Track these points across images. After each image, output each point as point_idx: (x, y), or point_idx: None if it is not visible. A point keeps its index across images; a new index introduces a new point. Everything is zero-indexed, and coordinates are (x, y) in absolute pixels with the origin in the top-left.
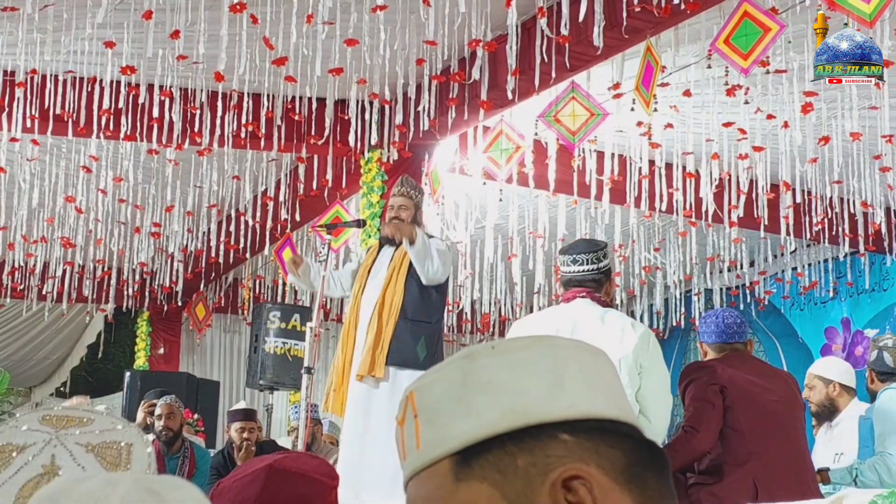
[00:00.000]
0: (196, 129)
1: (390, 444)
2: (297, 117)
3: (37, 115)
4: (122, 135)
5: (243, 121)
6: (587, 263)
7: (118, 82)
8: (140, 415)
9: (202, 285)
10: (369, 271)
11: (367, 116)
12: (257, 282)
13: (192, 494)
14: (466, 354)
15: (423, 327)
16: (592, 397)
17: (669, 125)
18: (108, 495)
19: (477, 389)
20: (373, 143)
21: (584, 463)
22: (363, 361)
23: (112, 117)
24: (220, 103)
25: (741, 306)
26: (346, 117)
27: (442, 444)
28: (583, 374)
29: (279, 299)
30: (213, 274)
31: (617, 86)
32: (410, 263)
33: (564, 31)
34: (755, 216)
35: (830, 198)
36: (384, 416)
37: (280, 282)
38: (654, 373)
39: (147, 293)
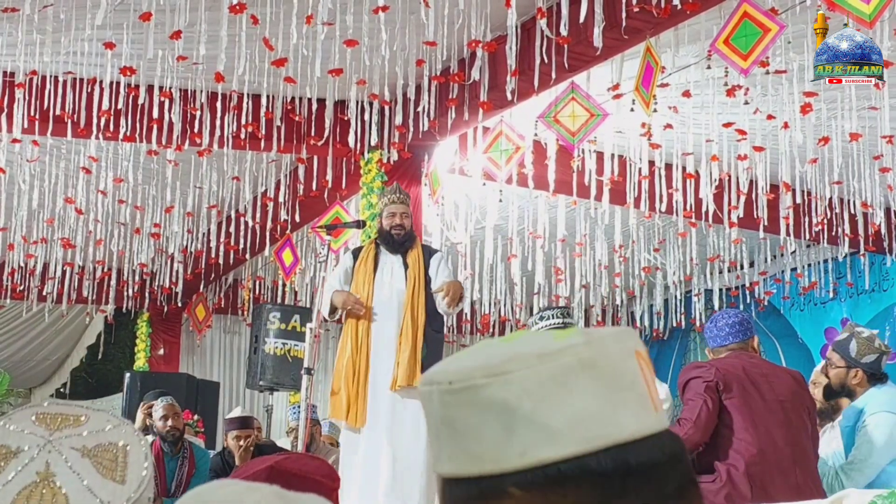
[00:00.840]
0: (196, 130)
1: (421, 452)
2: (296, 118)
3: (37, 116)
4: (121, 136)
5: (243, 122)
6: (553, 318)
7: (118, 83)
8: (139, 416)
9: (202, 286)
10: (373, 276)
11: (366, 117)
12: (257, 283)
13: (317, 500)
14: (442, 387)
15: (440, 337)
16: (548, 437)
17: (669, 126)
18: (246, 498)
19: (445, 427)
20: (373, 143)
21: None
22: (404, 373)
23: (112, 118)
24: (219, 104)
25: (741, 307)
26: (346, 118)
27: (436, 467)
28: (540, 410)
29: (279, 300)
30: (213, 275)
31: (616, 86)
32: (426, 276)
33: (564, 32)
34: (755, 217)
35: (830, 198)
36: (419, 424)
37: (280, 283)
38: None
39: (147, 294)
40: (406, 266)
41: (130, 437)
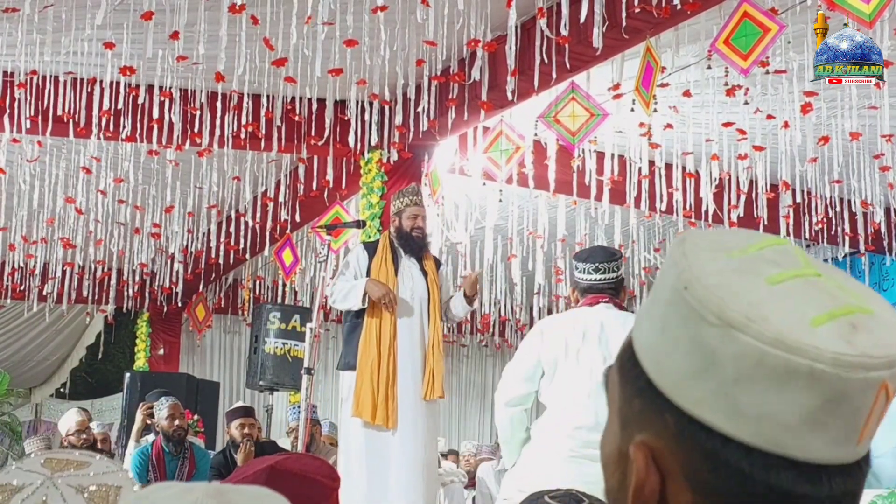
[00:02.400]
0: (196, 130)
1: (435, 458)
2: (296, 118)
3: (37, 116)
4: (122, 136)
5: (243, 121)
6: (609, 272)
7: (118, 83)
8: (139, 416)
9: (202, 286)
10: (395, 278)
11: (366, 117)
12: (257, 282)
13: (258, 492)
14: (678, 282)
15: None
16: (729, 410)
17: (669, 125)
18: (183, 498)
19: (656, 308)
20: (373, 143)
21: (667, 462)
22: (438, 386)
23: (112, 118)
24: (219, 104)
25: None
26: (346, 118)
27: (633, 328)
28: (741, 385)
29: (279, 300)
30: (213, 275)
31: (617, 86)
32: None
33: (564, 32)
34: (755, 216)
35: (830, 197)
36: (434, 429)
37: (280, 282)
38: None
39: (147, 294)
40: (424, 273)
41: (125, 480)
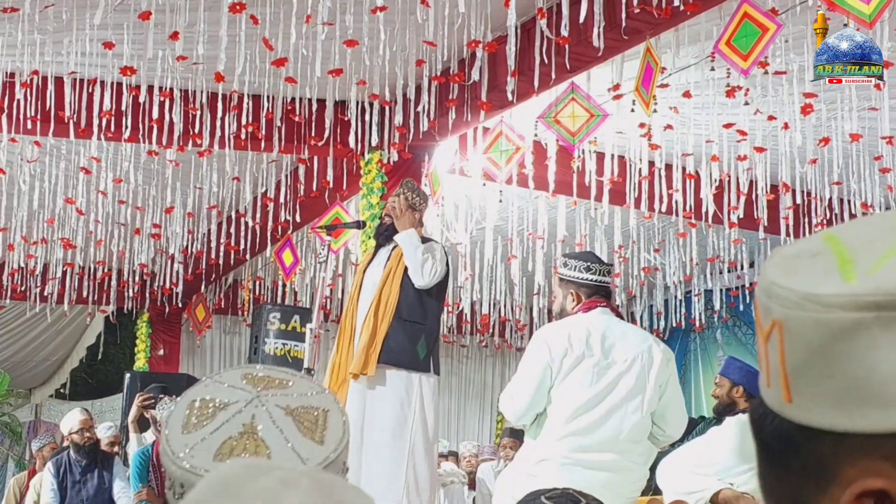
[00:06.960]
0: (196, 131)
1: (385, 444)
2: (297, 118)
3: (38, 117)
4: (123, 136)
5: (243, 122)
6: (603, 275)
7: (118, 83)
8: (134, 407)
9: (202, 287)
10: (364, 272)
11: (367, 118)
12: (257, 283)
13: (366, 499)
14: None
15: (419, 328)
16: None
17: (669, 126)
18: (284, 497)
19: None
20: (373, 144)
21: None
22: (357, 360)
23: (112, 119)
24: (220, 104)
25: (741, 307)
26: (346, 118)
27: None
28: None
29: (279, 300)
30: (214, 275)
31: (617, 87)
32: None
33: (564, 32)
34: (755, 217)
35: (830, 199)
36: (379, 415)
37: (280, 283)
38: (674, 388)
39: (147, 294)
40: (390, 258)
41: (331, 403)
